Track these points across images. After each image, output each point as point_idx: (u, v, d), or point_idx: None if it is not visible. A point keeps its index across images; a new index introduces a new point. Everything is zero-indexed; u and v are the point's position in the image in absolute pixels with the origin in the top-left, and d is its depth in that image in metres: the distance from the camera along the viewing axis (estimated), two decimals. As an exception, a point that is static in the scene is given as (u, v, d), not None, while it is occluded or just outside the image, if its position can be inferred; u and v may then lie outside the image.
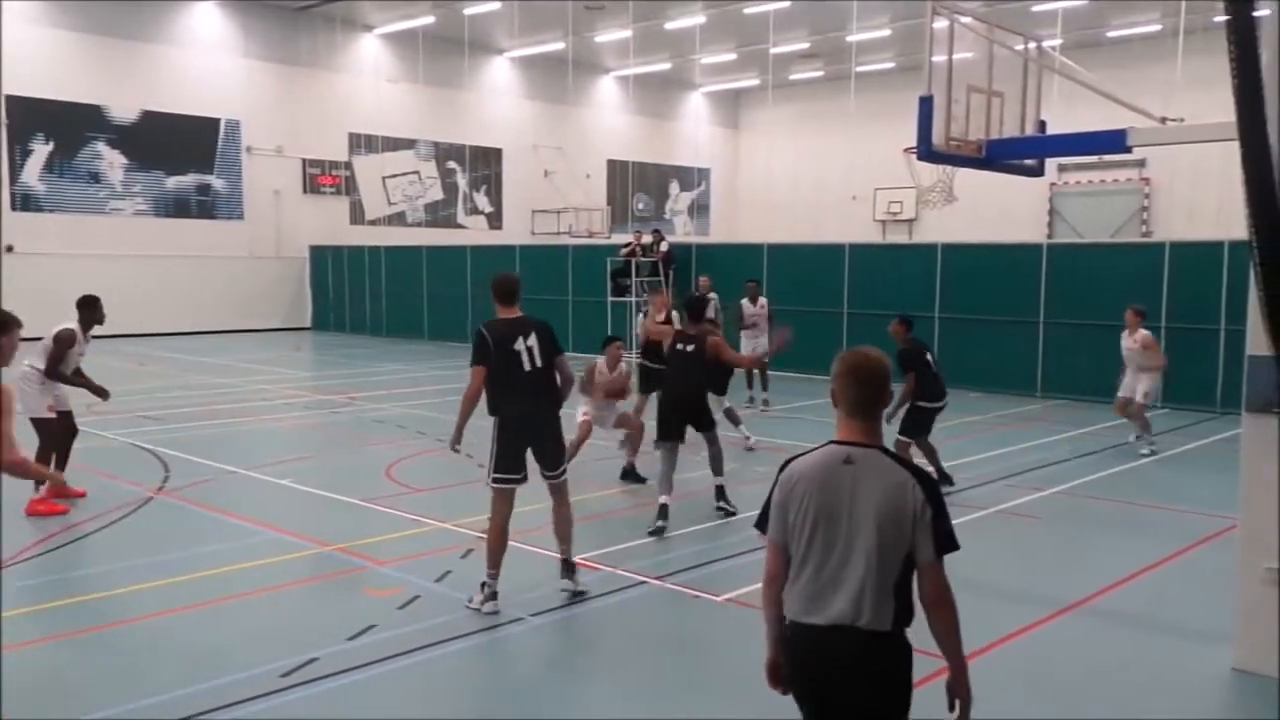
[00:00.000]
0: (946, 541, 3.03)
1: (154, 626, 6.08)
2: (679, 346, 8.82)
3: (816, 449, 3.12)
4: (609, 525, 8.56)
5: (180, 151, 27.65)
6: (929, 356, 9.63)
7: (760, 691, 5.34)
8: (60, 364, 8.71)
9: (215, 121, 28.32)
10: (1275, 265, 4.71)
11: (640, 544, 7.78)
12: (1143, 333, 11.92)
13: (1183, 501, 9.54)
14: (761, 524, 3.19)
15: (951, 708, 3.13)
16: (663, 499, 8.28)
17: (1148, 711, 5.16)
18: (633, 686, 5.43)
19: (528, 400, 6.35)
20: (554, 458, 6.61)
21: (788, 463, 3.16)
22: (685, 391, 8.64)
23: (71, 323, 8.86)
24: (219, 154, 28.49)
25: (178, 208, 27.90)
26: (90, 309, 8.99)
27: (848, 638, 2.99)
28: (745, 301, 15.35)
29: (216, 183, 28.54)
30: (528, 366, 6.28)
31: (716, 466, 8.89)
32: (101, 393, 8.98)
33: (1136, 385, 11.83)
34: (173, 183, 27.72)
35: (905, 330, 9.72)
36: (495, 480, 6.47)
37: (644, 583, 6.87)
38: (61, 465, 8.93)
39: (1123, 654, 5.89)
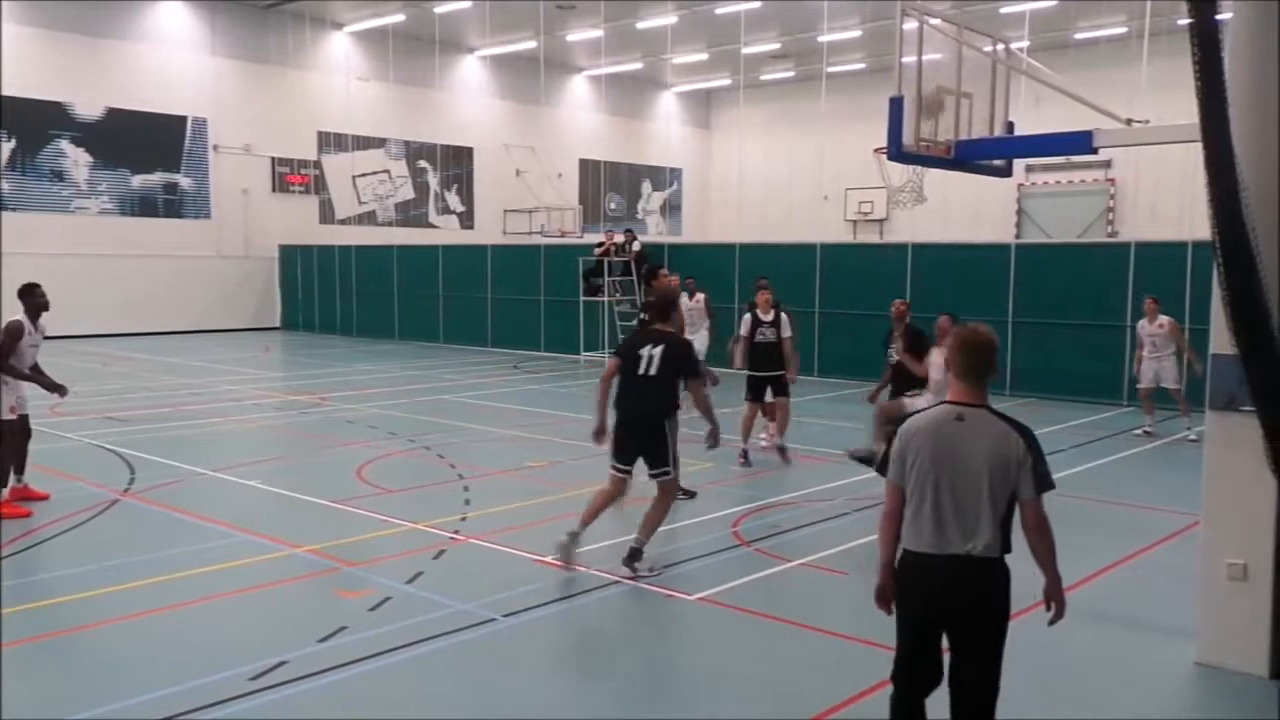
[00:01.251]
0: (1044, 481, 3.70)
1: (119, 630, 6.00)
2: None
3: (930, 408, 3.84)
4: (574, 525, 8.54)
5: (146, 150, 27.32)
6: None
7: (732, 691, 5.37)
8: (11, 356, 8.50)
9: (182, 119, 28.01)
10: (1237, 265, 4.81)
11: (613, 544, 7.78)
12: (1166, 318, 12.69)
13: (1148, 498, 9.66)
14: (883, 468, 3.88)
15: (1049, 608, 3.91)
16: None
17: (1112, 706, 5.23)
18: (606, 686, 5.43)
19: (635, 402, 7.04)
20: (656, 458, 7.09)
21: (911, 418, 3.84)
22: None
23: (18, 314, 8.62)
24: (186, 152, 28.18)
25: (144, 207, 27.57)
26: (30, 295, 8.64)
27: (965, 564, 3.65)
28: (683, 296, 15.30)
29: (183, 181, 28.22)
30: (641, 371, 6.96)
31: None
32: (59, 389, 8.77)
33: (1162, 373, 12.67)
34: (139, 181, 27.39)
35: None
36: (612, 466, 7.18)
37: (617, 582, 6.87)
38: (20, 469, 8.79)
39: (1087, 650, 5.95)
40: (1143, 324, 13.01)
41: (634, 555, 7.03)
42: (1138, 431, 13.04)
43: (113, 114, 26.62)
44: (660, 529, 7.44)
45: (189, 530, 8.22)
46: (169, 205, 28.05)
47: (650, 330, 7.34)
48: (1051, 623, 3.92)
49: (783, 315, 11.07)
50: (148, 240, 27.45)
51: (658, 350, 6.94)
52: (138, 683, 5.22)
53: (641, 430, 7.08)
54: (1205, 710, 5.30)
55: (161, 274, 27.47)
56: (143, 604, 6.41)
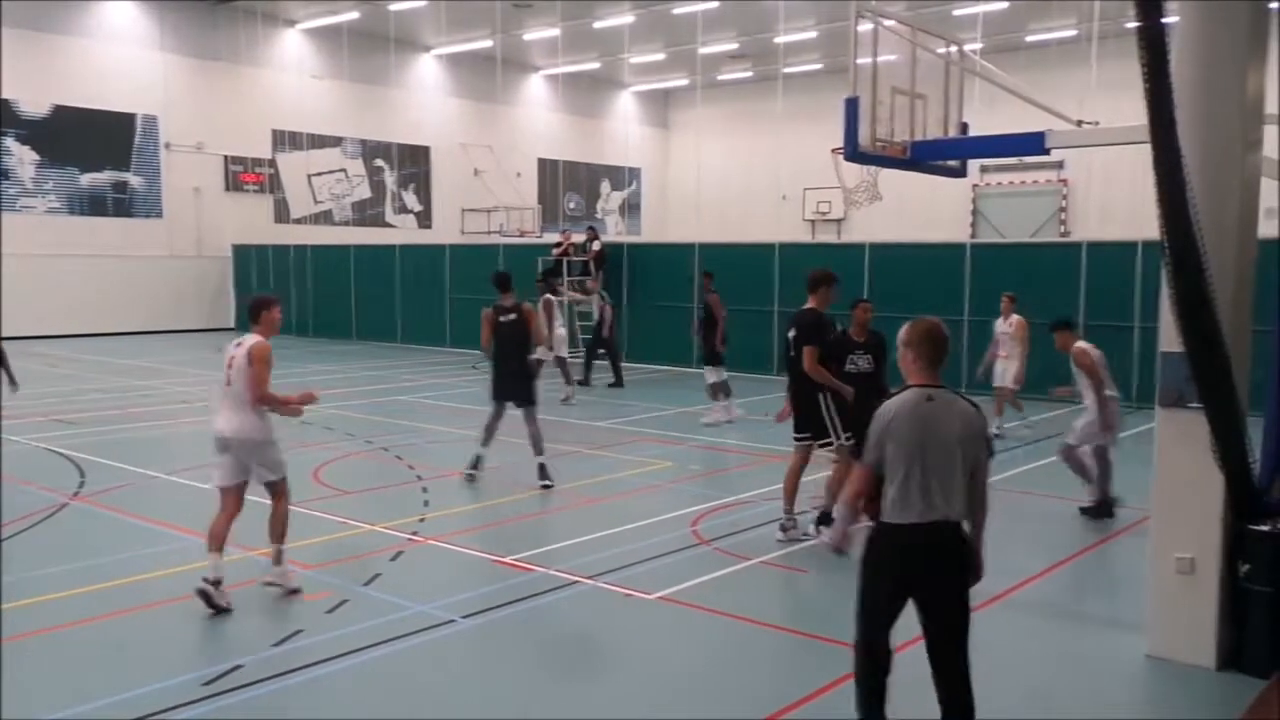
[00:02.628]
0: (992, 450, 4.30)
1: (69, 636, 5.88)
2: (501, 319, 9.86)
3: (900, 392, 4.19)
4: (540, 525, 8.52)
5: (95, 148, 26.80)
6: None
7: (692, 689, 5.38)
8: None
9: (131, 117, 27.51)
10: (1186, 264, 4.90)
11: (572, 544, 7.76)
12: (1017, 317, 12.55)
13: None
14: (856, 452, 4.51)
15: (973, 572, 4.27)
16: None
17: (1063, 698, 5.31)
18: (565, 687, 5.42)
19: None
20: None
21: (885, 403, 4.21)
22: (516, 365, 9.88)
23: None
24: (136, 150, 27.69)
25: (93, 205, 27.05)
26: None
27: (945, 529, 4.10)
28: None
29: (134, 180, 27.73)
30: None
31: (537, 446, 9.75)
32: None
33: (1008, 371, 12.51)
34: (87, 180, 26.86)
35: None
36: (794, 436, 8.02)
37: (576, 582, 6.86)
38: None
39: (1041, 644, 6.04)
40: (999, 322, 12.84)
41: (824, 519, 7.75)
42: (994, 429, 12.27)
43: (60, 111, 26.08)
44: (619, 530, 7.45)
45: (141, 534, 8.08)
46: (119, 204, 27.54)
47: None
48: (970, 585, 4.26)
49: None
50: (97, 240, 26.93)
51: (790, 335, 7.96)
52: (89, 689, 5.12)
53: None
54: (1155, 702, 5.40)
55: (111, 274, 26.97)
56: (93, 609, 6.29)
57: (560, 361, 15.60)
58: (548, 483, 9.62)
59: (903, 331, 4.28)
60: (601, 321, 17.90)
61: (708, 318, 14.08)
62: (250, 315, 6.90)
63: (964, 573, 4.19)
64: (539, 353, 13.71)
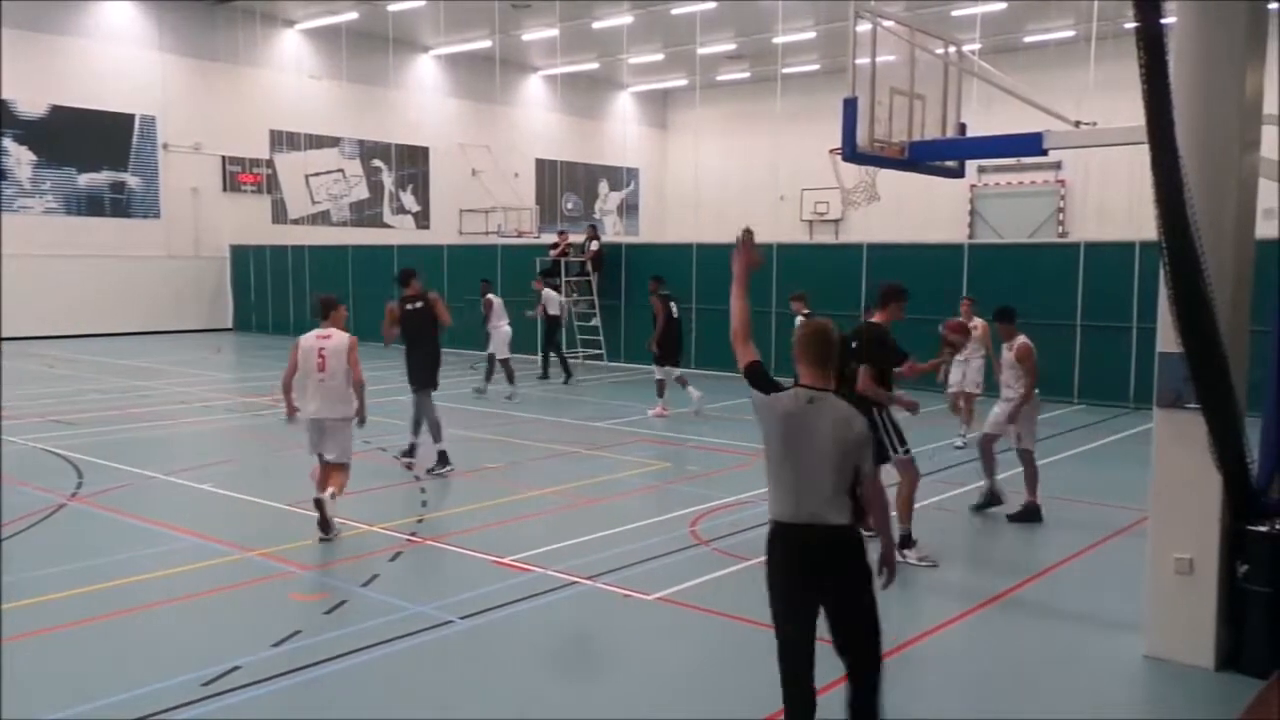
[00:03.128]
0: (881, 457, 4.17)
1: (67, 637, 5.88)
2: (407, 307, 10.63)
3: (787, 390, 4.09)
4: (539, 526, 8.51)
5: (93, 148, 26.77)
6: None
7: (690, 690, 5.38)
8: None
9: (129, 117, 27.48)
10: (1183, 265, 4.91)
11: (571, 544, 7.76)
12: (979, 320, 11.97)
13: (1098, 495, 9.83)
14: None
15: (880, 573, 4.19)
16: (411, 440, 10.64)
17: (1062, 699, 5.31)
18: (564, 687, 5.41)
19: None
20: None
21: (768, 397, 4.11)
22: (423, 351, 10.55)
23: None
24: (134, 151, 27.66)
25: (90, 206, 27.02)
26: None
27: (819, 532, 4.00)
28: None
29: (131, 180, 27.70)
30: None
31: (435, 434, 10.33)
32: None
33: (969, 376, 12.09)
34: (85, 180, 26.84)
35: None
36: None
37: (575, 583, 6.85)
38: None
39: (1039, 644, 6.05)
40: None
41: (905, 542, 7.43)
42: (959, 443, 12.09)
43: (57, 112, 26.05)
44: (618, 530, 7.44)
45: (139, 535, 8.07)
46: (116, 205, 27.51)
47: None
48: (884, 586, 4.21)
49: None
50: (95, 240, 26.90)
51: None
52: (88, 689, 5.11)
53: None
54: (1154, 702, 5.40)
55: (109, 274, 26.94)
56: (91, 610, 6.28)
57: (501, 361, 16.08)
58: (446, 468, 10.26)
59: (795, 330, 4.36)
60: (557, 319, 18.57)
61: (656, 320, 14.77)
62: (320, 312, 8.22)
63: (853, 574, 4.07)
64: (494, 348, 15.50)
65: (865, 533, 6.65)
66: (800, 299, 14.39)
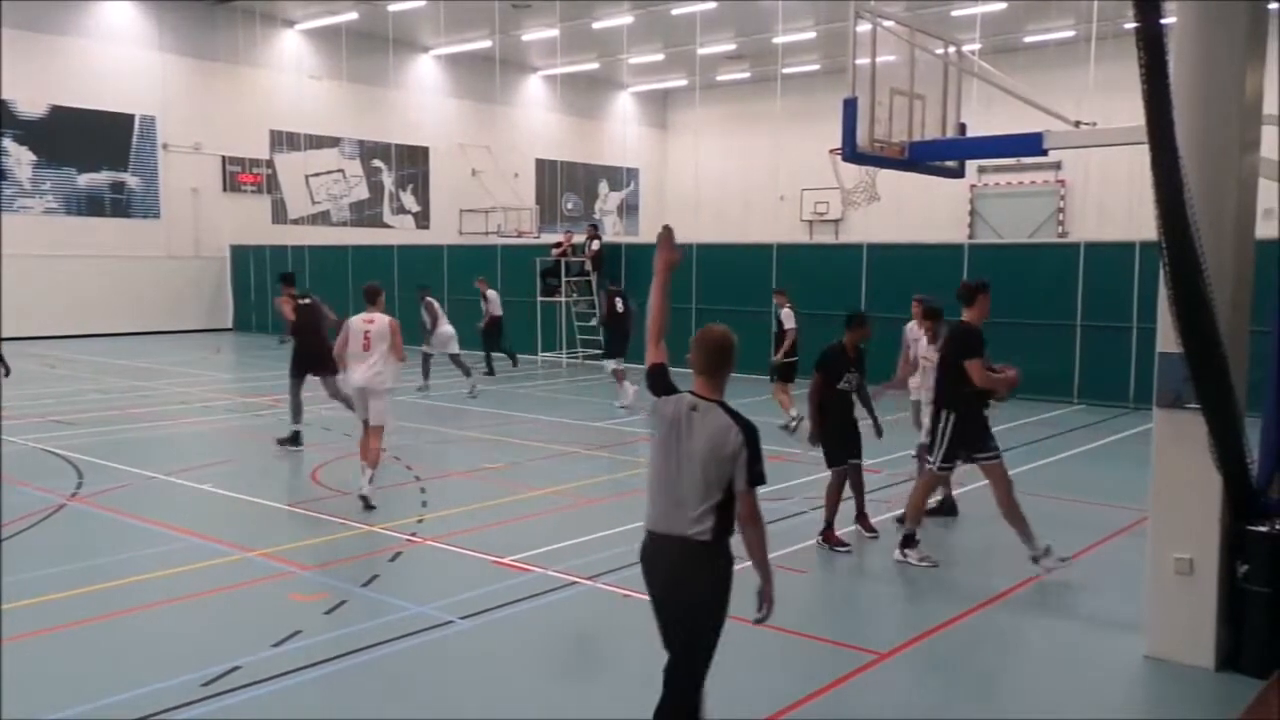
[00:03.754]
0: (757, 477, 3.80)
1: (66, 637, 5.88)
2: (301, 301, 11.97)
3: (677, 395, 3.93)
4: (539, 526, 8.51)
5: (92, 148, 26.77)
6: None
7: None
8: None
9: (129, 117, 27.48)
10: (1183, 265, 4.91)
11: (571, 544, 7.76)
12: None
13: (1098, 495, 9.83)
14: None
15: (759, 608, 4.02)
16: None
17: (1063, 699, 5.31)
18: (564, 687, 5.42)
19: None
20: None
21: (659, 400, 3.98)
22: (313, 344, 11.61)
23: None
24: (134, 151, 27.66)
25: (90, 206, 27.02)
26: None
27: (684, 545, 3.82)
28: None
29: (131, 180, 27.70)
30: None
31: (348, 404, 10.63)
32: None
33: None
34: (85, 180, 26.84)
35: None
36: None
37: (575, 583, 6.85)
38: None
39: (1040, 644, 6.05)
40: (910, 327, 9.96)
41: (908, 542, 7.48)
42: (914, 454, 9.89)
43: (57, 112, 26.05)
44: (619, 530, 7.42)
45: (139, 535, 8.07)
46: (116, 205, 27.52)
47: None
48: (759, 621, 4.01)
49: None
50: (95, 240, 26.91)
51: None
52: (88, 689, 5.11)
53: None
54: (1154, 702, 5.40)
55: (109, 274, 26.94)
56: (91, 610, 6.28)
57: (452, 358, 16.74)
58: (296, 448, 11.53)
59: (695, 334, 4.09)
60: (498, 319, 19.36)
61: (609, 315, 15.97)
62: (369, 298, 9.37)
63: (702, 599, 3.87)
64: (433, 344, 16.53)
65: (840, 548, 6.69)
66: (782, 293, 14.54)
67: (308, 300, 12.14)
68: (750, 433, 3.81)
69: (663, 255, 4.32)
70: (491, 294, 19.19)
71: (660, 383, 4.03)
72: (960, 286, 7.66)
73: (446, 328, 16.94)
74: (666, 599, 3.90)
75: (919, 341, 9.39)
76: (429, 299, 17.15)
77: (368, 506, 8.79)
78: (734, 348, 3.96)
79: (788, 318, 13.77)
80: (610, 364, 15.58)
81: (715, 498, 3.79)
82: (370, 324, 9.10)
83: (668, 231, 4.38)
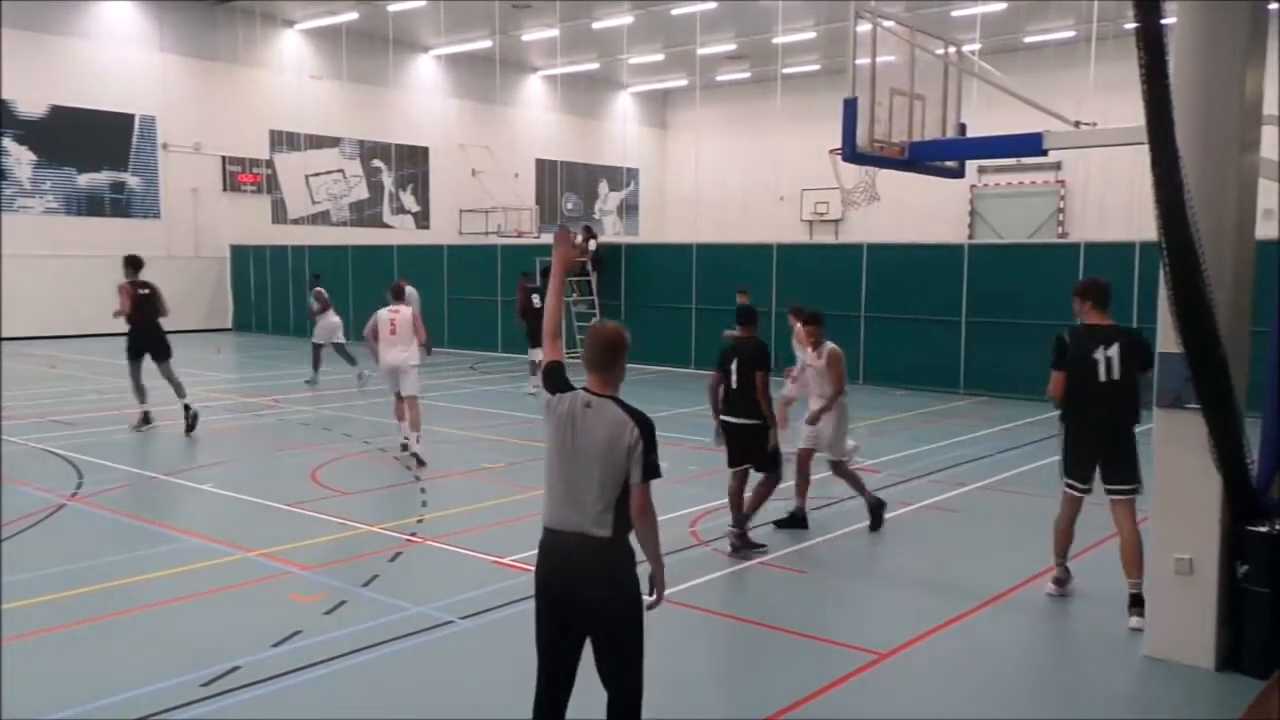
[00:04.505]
0: (651, 469, 3.80)
1: (66, 637, 5.88)
2: (139, 291, 13.06)
3: (570, 392, 3.91)
4: (539, 526, 8.51)
5: (92, 148, 26.77)
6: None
7: (690, 690, 5.38)
8: None
9: (129, 117, 27.48)
10: (1184, 265, 4.91)
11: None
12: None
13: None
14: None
15: (650, 592, 4.00)
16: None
17: (1065, 698, 5.31)
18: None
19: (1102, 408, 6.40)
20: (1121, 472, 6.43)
21: (552, 398, 3.95)
22: (152, 328, 12.89)
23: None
24: (134, 151, 27.66)
25: (90, 206, 27.02)
26: None
27: (580, 541, 3.80)
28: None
29: (131, 180, 27.70)
30: (1103, 377, 6.31)
31: (179, 391, 12.67)
32: None
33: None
34: (85, 180, 26.84)
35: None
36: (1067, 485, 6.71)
37: (575, 583, 6.84)
38: None
39: (1040, 644, 6.05)
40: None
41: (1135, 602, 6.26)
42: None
43: (57, 112, 26.04)
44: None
45: (139, 535, 8.07)
46: (116, 205, 27.52)
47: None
48: (651, 607, 4.01)
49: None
50: (95, 240, 26.87)
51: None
52: (87, 690, 5.11)
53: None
54: (1154, 702, 5.40)
55: (109, 274, 26.59)
56: (90, 610, 6.28)
57: (336, 347, 17.41)
58: (191, 425, 12.51)
59: (588, 333, 4.16)
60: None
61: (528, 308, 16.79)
62: (395, 295, 11.24)
63: (612, 596, 3.84)
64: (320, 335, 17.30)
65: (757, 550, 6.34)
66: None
67: (147, 290, 13.28)
68: (645, 426, 3.82)
69: (560, 253, 4.35)
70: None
71: (556, 380, 3.98)
72: (1094, 286, 6.70)
73: (334, 318, 17.59)
74: (570, 596, 3.84)
75: (812, 369, 8.64)
76: (319, 288, 17.79)
77: (420, 463, 10.46)
78: (625, 345, 4.00)
79: None
80: (536, 354, 16.36)
81: (613, 493, 3.79)
82: (396, 314, 10.85)
83: (565, 230, 4.40)
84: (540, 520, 3.94)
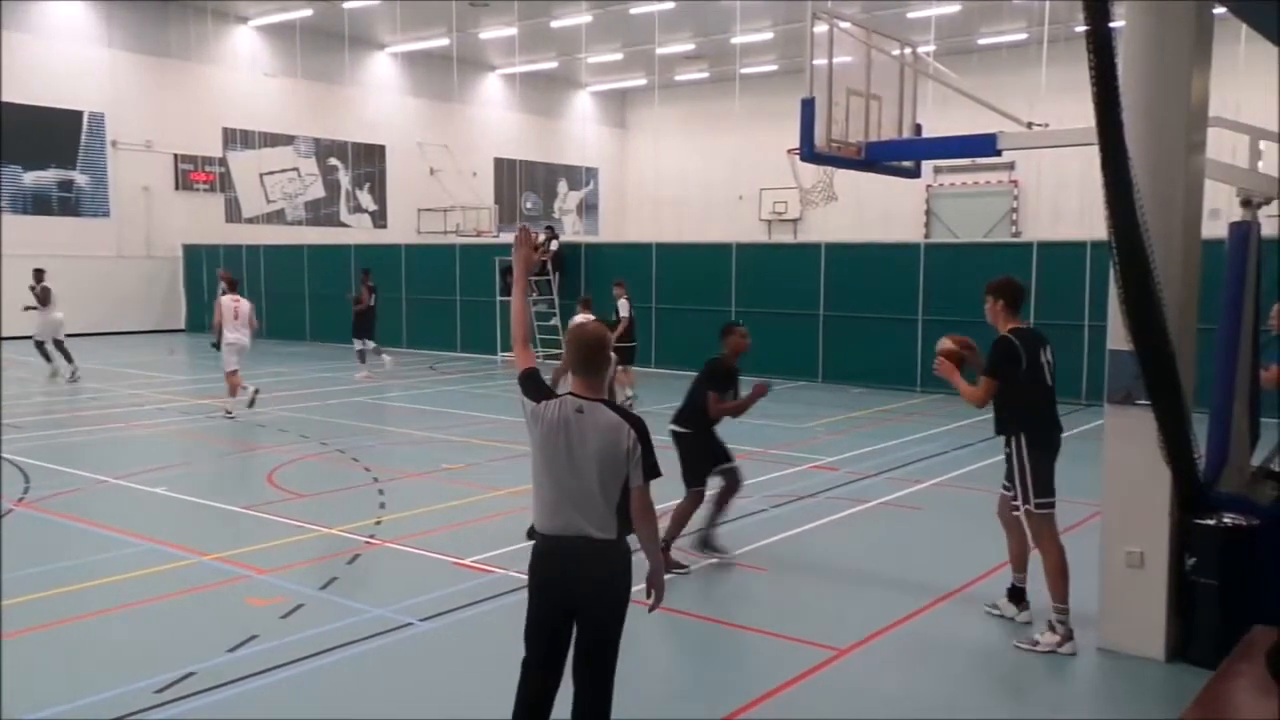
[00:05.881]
0: (651, 470, 3.86)
1: (15, 645, 5.74)
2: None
3: (558, 398, 3.88)
4: (499, 527, 8.48)
5: (39, 145, 26.22)
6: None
7: (654, 689, 5.39)
8: None
9: (78, 114, 26.96)
10: (1133, 265, 5.00)
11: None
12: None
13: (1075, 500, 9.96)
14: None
15: (649, 594, 4.08)
16: None
17: (1020, 690, 5.39)
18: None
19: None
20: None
21: (538, 404, 3.91)
22: None
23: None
24: (82, 148, 27.14)
25: (37, 204, 26.48)
26: None
27: (582, 544, 3.81)
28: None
29: (80, 178, 27.18)
30: (1050, 382, 5.94)
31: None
32: None
33: None
34: (31, 178, 26.29)
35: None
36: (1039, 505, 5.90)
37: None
38: None
39: (995, 637, 6.13)
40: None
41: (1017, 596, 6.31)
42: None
43: (2, 109, 25.48)
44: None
45: (90, 540, 7.93)
46: (64, 203, 26.99)
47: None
48: (651, 609, 4.10)
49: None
50: (43, 239, 26.28)
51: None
52: (36, 698, 5.01)
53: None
54: (1106, 692, 5.49)
55: (58, 275, 26.04)
56: (39, 617, 6.16)
57: (56, 343, 17.73)
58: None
59: (567, 335, 4.13)
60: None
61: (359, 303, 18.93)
62: (230, 286, 14.00)
63: (609, 597, 3.86)
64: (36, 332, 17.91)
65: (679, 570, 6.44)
66: (621, 285, 15.72)
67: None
68: (642, 429, 3.85)
69: (520, 255, 4.20)
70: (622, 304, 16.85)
71: (537, 387, 3.94)
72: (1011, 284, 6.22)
73: (58, 314, 17.86)
74: (571, 597, 3.86)
75: None
76: (45, 284, 17.98)
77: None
78: (609, 345, 3.98)
79: (623, 307, 15.34)
80: (368, 344, 18.80)
81: (615, 496, 3.82)
82: (238, 303, 13.97)
83: (525, 230, 4.32)
84: (528, 525, 3.99)
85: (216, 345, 16.68)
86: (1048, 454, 5.91)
